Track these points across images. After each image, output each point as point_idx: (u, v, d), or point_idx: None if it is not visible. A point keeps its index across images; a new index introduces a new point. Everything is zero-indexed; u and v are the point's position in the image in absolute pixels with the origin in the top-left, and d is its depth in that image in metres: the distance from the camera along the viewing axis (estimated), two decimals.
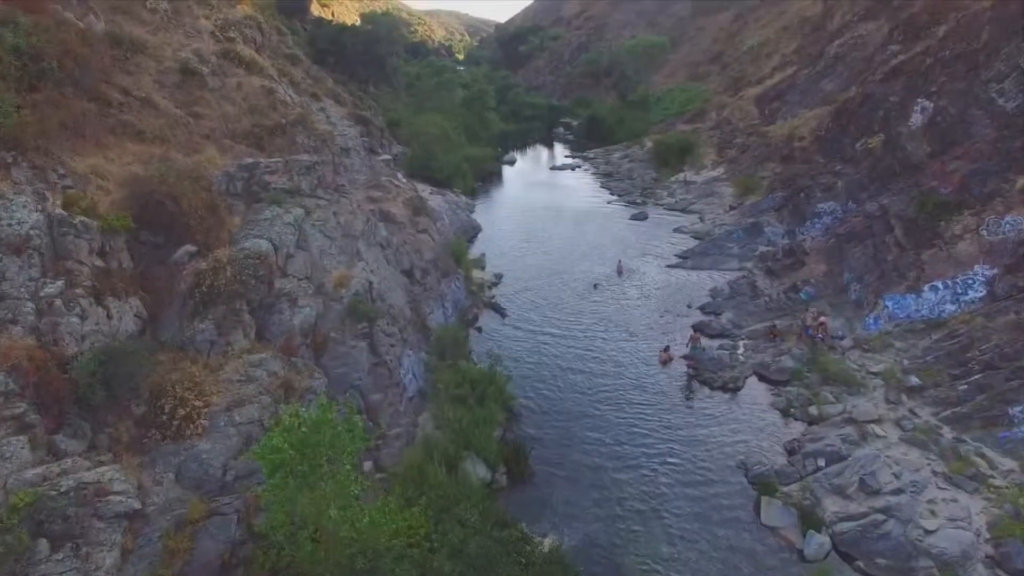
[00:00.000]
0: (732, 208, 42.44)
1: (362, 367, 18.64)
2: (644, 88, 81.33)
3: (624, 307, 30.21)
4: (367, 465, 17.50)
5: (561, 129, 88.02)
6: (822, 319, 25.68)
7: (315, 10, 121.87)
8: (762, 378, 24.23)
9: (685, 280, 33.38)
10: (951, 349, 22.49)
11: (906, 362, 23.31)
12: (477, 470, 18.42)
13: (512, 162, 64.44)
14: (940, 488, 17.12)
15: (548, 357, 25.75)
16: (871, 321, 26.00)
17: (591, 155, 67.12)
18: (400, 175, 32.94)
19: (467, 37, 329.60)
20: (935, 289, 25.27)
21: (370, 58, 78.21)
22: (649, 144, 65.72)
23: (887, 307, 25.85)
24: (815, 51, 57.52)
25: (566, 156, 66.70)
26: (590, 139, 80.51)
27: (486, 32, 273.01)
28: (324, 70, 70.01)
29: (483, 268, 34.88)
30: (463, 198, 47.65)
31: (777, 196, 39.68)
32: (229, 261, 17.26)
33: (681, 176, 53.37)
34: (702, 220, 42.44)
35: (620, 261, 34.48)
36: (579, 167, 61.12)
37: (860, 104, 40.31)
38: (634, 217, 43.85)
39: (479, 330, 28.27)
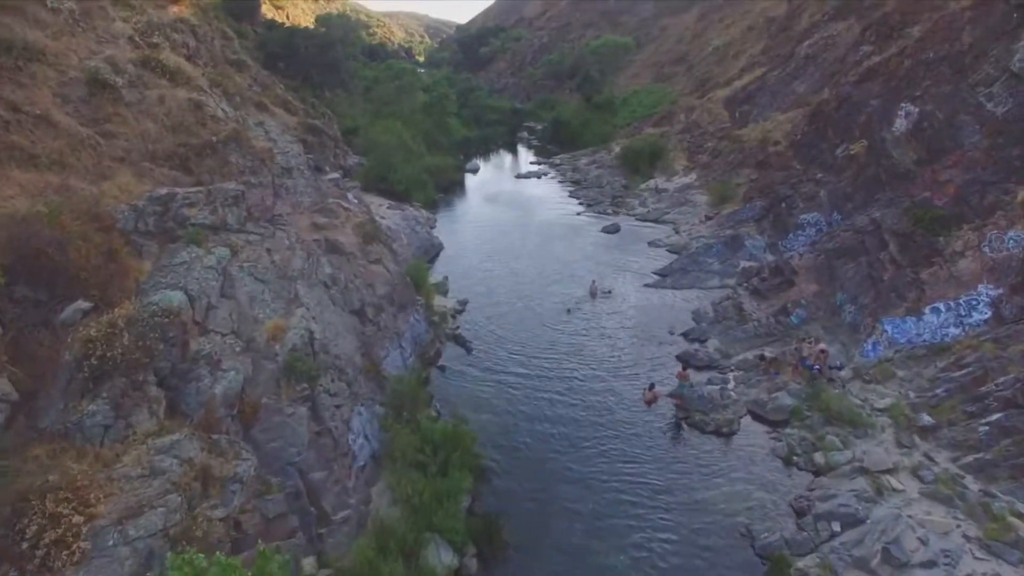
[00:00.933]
0: (708, 218, 40.31)
1: (301, 439, 15.60)
2: (609, 90, 79.34)
3: (600, 336, 27.65)
4: (308, 562, 14.51)
5: (525, 133, 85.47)
6: (821, 346, 23.47)
7: (268, 12, 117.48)
8: (757, 417, 21.88)
9: (665, 301, 31.01)
10: (963, 381, 20.44)
11: (912, 395, 21.22)
12: (442, 556, 15.56)
13: (475, 170, 61.59)
14: (977, 559, 14.89)
15: (519, 402, 22.99)
16: (869, 347, 23.91)
17: (557, 161, 64.69)
18: (351, 195, 29.78)
19: (427, 39, 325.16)
20: (937, 311, 23.30)
21: (324, 62, 74.63)
22: (617, 149, 63.57)
23: (886, 331, 23.80)
24: (784, 52, 56.01)
25: (531, 163, 64.17)
26: (555, 143, 78.16)
27: (447, 33, 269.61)
28: (275, 76, 66.42)
29: (446, 293, 31.99)
30: (423, 212, 44.61)
31: (756, 206, 37.67)
32: (129, 322, 14.05)
33: (652, 183, 51.23)
34: (677, 232, 40.23)
35: (593, 282, 31.93)
36: (545, 174, 58.58)
37: (837, 107, 38.57)
38: (605, 229, 41.41)
39: (442, 369, 25.39)
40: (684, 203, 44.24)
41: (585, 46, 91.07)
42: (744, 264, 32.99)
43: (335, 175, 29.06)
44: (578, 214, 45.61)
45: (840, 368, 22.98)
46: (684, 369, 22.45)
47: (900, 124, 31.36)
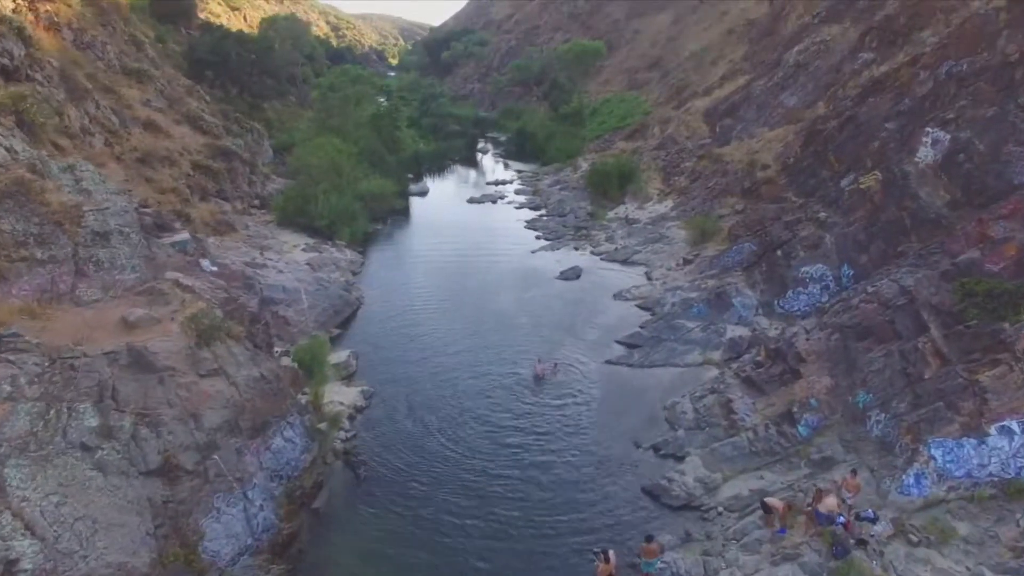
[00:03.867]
0: (686, 261, 33.42)
1: None
2: (578, 99, 72.50)
3: (544, 453, 20.44)
4: None
5: (489, 145, 78.38)
6: (855, 480, 16.50)
7: (223, 15, 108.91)
8: None
9: (631, 386, 23.97)
10: None
11: (988, 573, 14.40)
12: None
13: (423, 193, 54.21)
14: None
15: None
16: (911, 481, 17.04)
17: (517, 181, 57.61)
18: (207, 263, 22.33)
19: (401, 41, 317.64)
20: (1008, 432, 16.53)
21: (264, 69, 67.03)
22: (584, 167, 56.68)
23: (934, 458, 16.95)
24: (770, 58, 49.50)
25: (488, 183, 56.88)
26: (519, 157, 71.27)
27: (420, 36, 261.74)
28: (202, 86, 58.82)
29: (349, 378, 24.67)
30: (348, 253, 37.20)
31: (744, 248, 30.86)
32: None
33: (622, 210, 44.33)
34: (649, 279, 33.26)
35: (538, 362, 24.76)
36: (502, 198, 51.37)
37: (839, 127, 31.94)
38: (564, 275, 34.28)
39: (317, 512, 18.09)
40: (658, 239, 37.34)
41: (553, 50, 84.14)
42: (731, 331, 26.09)
43: (182, 236, 21.62)
44: (533, 252, 38.45)
45: (874, 520, 16.06)
46: (650, 542, 15.29)
47: (926, 154, 24.70)
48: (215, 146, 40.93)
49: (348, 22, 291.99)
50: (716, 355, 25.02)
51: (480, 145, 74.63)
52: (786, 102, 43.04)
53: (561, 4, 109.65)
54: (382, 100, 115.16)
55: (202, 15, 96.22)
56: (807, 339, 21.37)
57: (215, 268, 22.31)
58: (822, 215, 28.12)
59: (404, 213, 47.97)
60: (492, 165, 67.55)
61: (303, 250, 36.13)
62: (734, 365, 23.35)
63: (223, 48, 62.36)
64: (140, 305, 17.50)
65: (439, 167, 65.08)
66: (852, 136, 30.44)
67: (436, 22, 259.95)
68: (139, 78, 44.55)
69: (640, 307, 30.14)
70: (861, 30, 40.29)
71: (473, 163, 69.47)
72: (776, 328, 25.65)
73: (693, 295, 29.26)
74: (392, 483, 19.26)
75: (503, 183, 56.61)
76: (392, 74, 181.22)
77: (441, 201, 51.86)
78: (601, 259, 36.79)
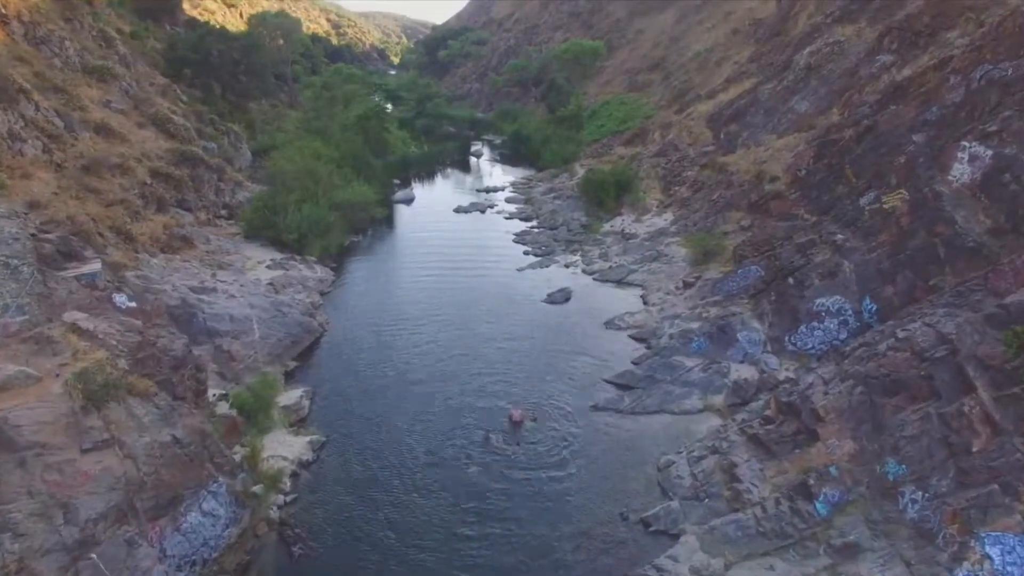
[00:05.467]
0: (687, 284, 30.24)
1: None
2: (577, 100, 69.26)
3: (518, 527, 17.32)
4: None
5: (484, 149, 75.26)
6: None
7: (218, 12, 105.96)
8: None
9: (619, 439, 20.80)
10: None
11: None
12: None
13: (409, 200, 51.07)
14: None
15: None
16: None
17: (509, 188, 54.44)
18: (120, 297, 19.18)
19: (404, 40, 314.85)
20: None
21: (248, 68, 64.01)
22: (581, 172, 53.55)
23: (990, 558, 13.79)
24: (778, 60, 46.26)
25: (479, 190, 53.68)
26: (515, 160, 68.23)
27: (424, 34, 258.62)
28: (180, 85, 55.85)
29: (297, 424, 21.55)
30: (318, 270, 34.14)
31: (751, 272, 27.69)
32: None
33: (619, 223, 41.15)
34: (646, 303, 30.09)
35: (512, 415, 21.56)
36: (492, 206, 48.19)
37: (857, 138, 28.75)
38: (551, 298, 31.13)
39: None
40: (657, 257, 34.16)
41: (552, 50, 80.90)
42: (736, 371, 22.93)
43: (92, 267, 18.43)
44: (519, 270, 35.26)
45: None
46: None
47: (962, 172, 21.53)
48: (180, 151, 37.84)
49: (350, 20, 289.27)
50: (718, 400, 21.88)
51: (474, 148, 71.39)
52: (797, 107, 39.83)
53: (561, 3, 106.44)
54: (377, 100, 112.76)
55: (196, 11, 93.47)
56: (825, 392, 18.17)
57: (132, 304, 19.17)
58: (839, 237, 24.93)
59: (386, 223, 44.87)
60: (485, 170, 64.38)
61: (268, 267, 33.07)
62: (739, 416, 20.17)
63: (203, 45, 59.42)
64: (18, 357, 14.38)
65: (429, 172, 62.00)
66: (872, 148, 27.24)
67: (439, 20, 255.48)
68: (101, 77, 41.51)
69: (634, 337, 26.98)
70: (879, 30, 37.10)
71: (466, 167, 66.31)
72: (787, 369, 22.51)
73: (694, 325, 26.08)
74: (332, 568, 16.13)
75: (494, 190, 53.43)
76: (393, 72, 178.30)
77: (427, 210, 48.70)
78: (594, 278, 33.63)
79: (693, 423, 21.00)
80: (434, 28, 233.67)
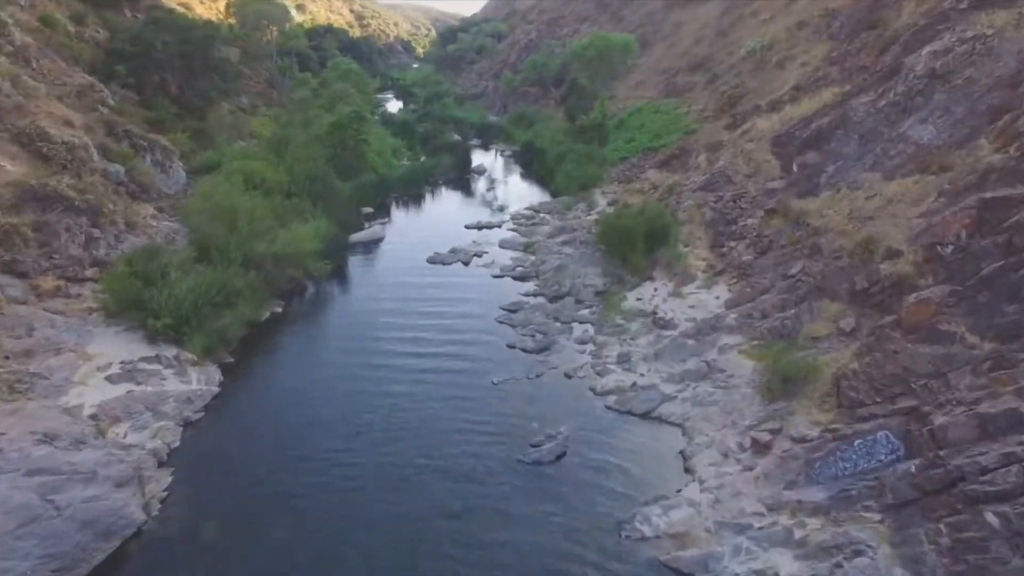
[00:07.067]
0: (759, 446, 18.07)
1: None
2: (601, 107, 56.94)
3: None
4: None
5: (495, 159, 63.64)
6: None
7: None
8: None
9: None
10: None
11: None
12: None
13: (377, 240, 39.44)
14: None
15: None
16: None
17: (509, 221, 42.60)
18: None
19: (433, 32, 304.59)
20: None
21: (204, 64, 53.41)
22: (602, 204, 41.67)
23: None
24: (876, 63, 33.57)
25: (468, 226, 41.75)
26: (527, 177, 56.58)
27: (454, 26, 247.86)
28: (112, 85, 45.52)
29: None
30: (194, 376, 22.82)
31: (877, 446, 15.59)
32: None
33: (648, 293, 29.10)
34: (692, 475, 18.05)
35: None
36: (481, 254, 36.23)
37: None
38: (535, 457, 18.85)
39: None
40: (706, 372, 22.11)
41: (572, 46, 68.59)
42: None
43: None
44: (497, 384, 23.28)
45: None
46: None
47: None
48: (24, 187, 26.86)
49: (374, 11, 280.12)
50: None
51: (476, 163, 59.56)
52: (914, 134, 27.25)
53: None
54: (381, 100, 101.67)
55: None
56: None
57: None
58: None
59: (333, 279, 33.36)
60: (485, 193, 52.45)
61: (118, 374, 21.95)
62: None
63: (144, 36, 48.78)
64: None
65: (415, 194, 50.45)
66: None
67: (468, 12, 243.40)
68: None
69: (668, 564, 15.02)
70: None
71: (465, 187, 54.55)
72: None
73: (780, 558, 14.05)
74: None
75: (488, 226, 41.51)
76: (416, 67, 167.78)
77: (394, 256, 37.06)
78: (606, 405, 21.67)
79: None
80: (460, 20, 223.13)
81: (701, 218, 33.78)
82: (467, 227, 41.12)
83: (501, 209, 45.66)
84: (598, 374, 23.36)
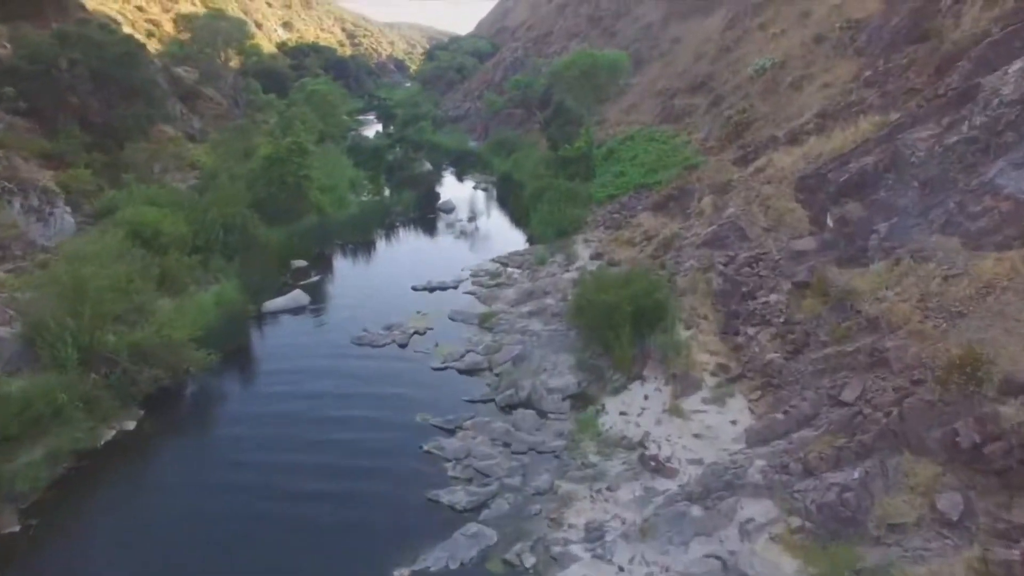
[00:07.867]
0: None
1: None
2: (587, 135, 49.18)
3: None
4: None
5: (472, 191, 55.99)
6: None
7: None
8: None
9: None
10: None
11: None
12: None
13: (298, 309, 31.23)
14: None
15: None
16: None
17: (470, 279, 34.54)
18: None
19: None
20: None
21: (122, 86, 46.05)
22: (584, 257, 33.90)
23: None
24: (933, 85, 25.71)
25: (416, 287, 33.59)
26: (503, 214, 48.94)
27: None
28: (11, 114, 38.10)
29: None
30: None
31: None
32: None
33: (635, 406, 20.95)
34: None
35: None
36: (421, 333, 28.02)
37: None
38: None
39: None
40: (723, 569, 13.84)
41: (555, 64, 61.00)
42: None
43: None
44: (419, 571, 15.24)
45: None
46: None
47: None
48: None
49: (367, 30, 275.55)
50: None
51: (442, 201, 51.62)
52: (1007, 184, 19.30)
53: (579, 4, 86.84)
54: (360, 122, 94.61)
55: (111, 6, 75.57)
56: None
57: None
58: None
59: (227, 369, 25.19)
60: (447, 239, 44.50)
61: None
62: None
63: (45, 53, 41.36)
64: None
65: (364, 241, 42.51)
66: None
67: (464, 31, 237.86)
68: None
69: None
70: None
71: (427, 229, 46.67)
72: None
73: None
74: None
75: (442, 288, 33.47)
76: (408, 85, 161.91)
77: (311, 334, 28.89)
78: None
79: None
80: (449, 38, 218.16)
81: (707, 287, 25.72)
82: (414, 288, 33.05)
83: (462, 261, 37.62)
84: (555, 562, 15.13)
